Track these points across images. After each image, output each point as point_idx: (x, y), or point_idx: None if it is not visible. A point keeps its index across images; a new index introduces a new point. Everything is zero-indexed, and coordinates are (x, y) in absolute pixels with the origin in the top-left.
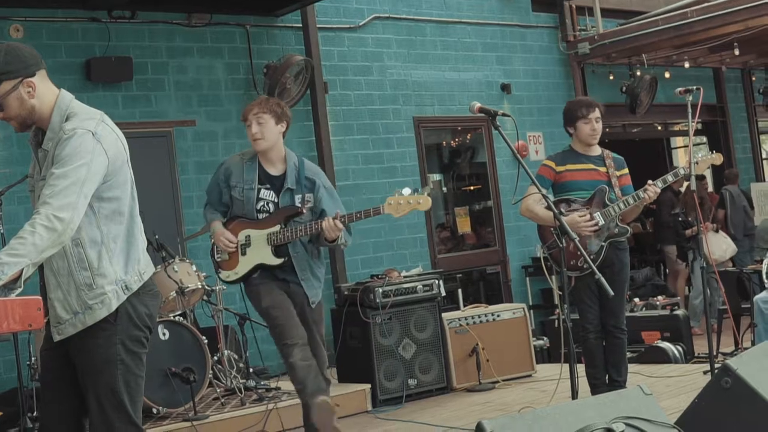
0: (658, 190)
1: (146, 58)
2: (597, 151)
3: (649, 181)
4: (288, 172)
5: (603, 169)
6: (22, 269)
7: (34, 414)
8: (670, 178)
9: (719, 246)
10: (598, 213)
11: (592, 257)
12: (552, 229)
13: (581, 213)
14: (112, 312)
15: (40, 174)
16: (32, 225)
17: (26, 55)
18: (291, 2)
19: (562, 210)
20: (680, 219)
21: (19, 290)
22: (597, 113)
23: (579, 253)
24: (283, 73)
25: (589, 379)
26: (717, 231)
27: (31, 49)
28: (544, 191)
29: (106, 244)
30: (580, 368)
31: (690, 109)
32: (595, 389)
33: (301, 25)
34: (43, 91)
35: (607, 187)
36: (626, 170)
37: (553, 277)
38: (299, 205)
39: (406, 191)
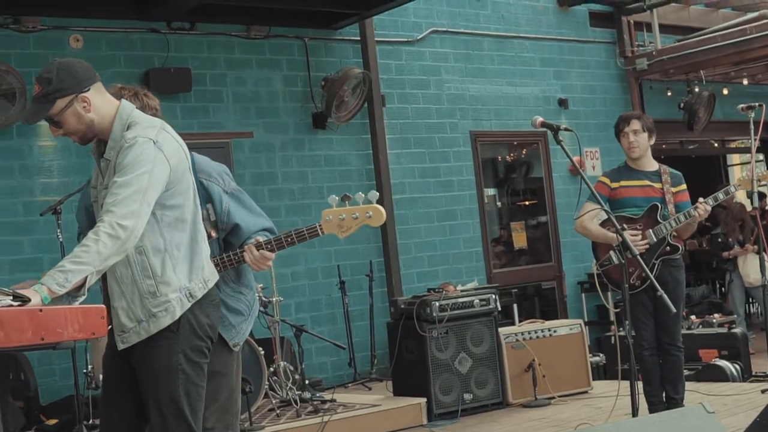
0: (709, 209)
1: (205, 69)
2: (653, 166)
3: (701, 199)
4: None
5: (658, 185)
6: (86, 277)
7: (90, 422)
8: (721, 195)
9: (755, 268)
10: (650, 231)
11: (644, 275)
12: (615, 245)
13: (633, 231)
14: (175, 321)
15: (102, 184)
16: (96, 233)
17: (78, 71)
18: (350, 15)
19: (609, 228)
20: (720, 240)
21: (83, 298)
22: (633, 126)
23: (632, 270)
24: (341, 86)
25: (647, 396)
26: (759, 252)
27: (84, 64)
28: (605, 207)
29: (169, 251)
30: (639, 385)
31: (752, 126)
32: (653, 407)
33: (359, 38)
34: (100, 104)
35: (660, 204)
36: (683, 186)
37: (608, 294)
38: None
39: (343, 202)
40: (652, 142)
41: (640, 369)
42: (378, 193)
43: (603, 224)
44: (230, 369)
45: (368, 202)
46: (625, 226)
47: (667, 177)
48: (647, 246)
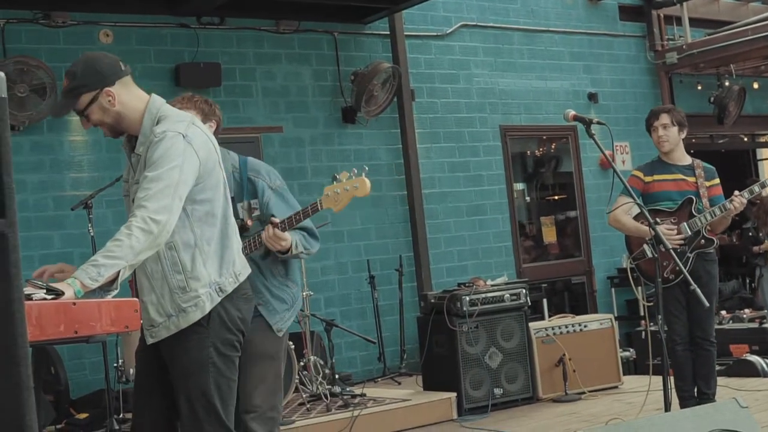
0: (745, 201)
1: (234, 64)
2: (686, 160)
3: (736, 192)
4: (226, 177)
5: (692, 179)
6: (119, 271)
7: (120, 416)
8: (756, 188)
9: None
10: (685, 224)
11: (678, 268)
12: (648, 239)
13: (668, 225)
14: (205, 315)
15: (134, 178)
16: (129, 227)
17: (103, 65)
18: (379, 10)
19: (642, 222)
20: (750, 234)
21: (116, 292)
22: (663, 120)
23: (665, 263)
24: (371, 81)
25: (678, 391)
26: None
27: (110, 57)
28: (638, 200)
29: (199, 246)
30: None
31: None
32: (684, 401)
33: (388, 32)
34: (127, 98)
35: (694, 198)
36: (717, 180)
37: (639, 288)
38: (242, 218)
39: (343, 176)
40: (683, 135)
41: (671, 363)
42: (366, 169)
43: (636, 218)
44: (278, 353)
45: (358, 177)
46: (658, 220)
47: (700, 171)
48: (682, 240)
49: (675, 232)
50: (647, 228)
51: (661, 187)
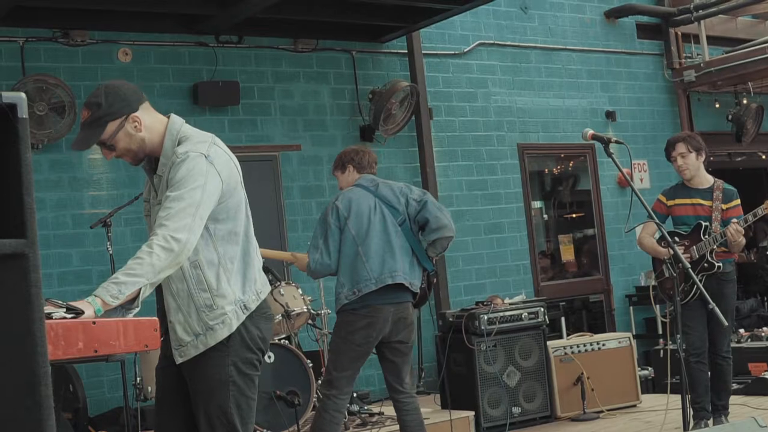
0: (740, 229)
1: (252, 82)
2: (707, 183)
3: (734, 220)
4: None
5: (708, 203)
6: (140, 289)
7: None
8: (750, 218)
9: None
10: (694, 248)
11: (686, 288)
12: (665, 259)
13: (678, 248)
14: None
15: (156, 199)
16: (150, 246)
17: (126, 92)
18: (397, 28)
19: (662, 244)
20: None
21: (137, 310)
22: (679, 149)
23: (679, 284)
24: (389, 99)
25: (691, 403)
26: None
27: (129, 85)
28: (657, 221)
29: (223, 264)
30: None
31: None
32: (696, 413)
33: (406, 51)
34: (150, 123)
35: (703, 223)
36: (735, 202)
37: (658, 306)
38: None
39: None
40: (703, 158)
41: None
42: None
43: (659, 241)
44: None
45: None
46: (677, 239)
47: (718, 194)
48: (689, 260)
49: (685, 255)
50: (662, 248)
51: (680, 212)
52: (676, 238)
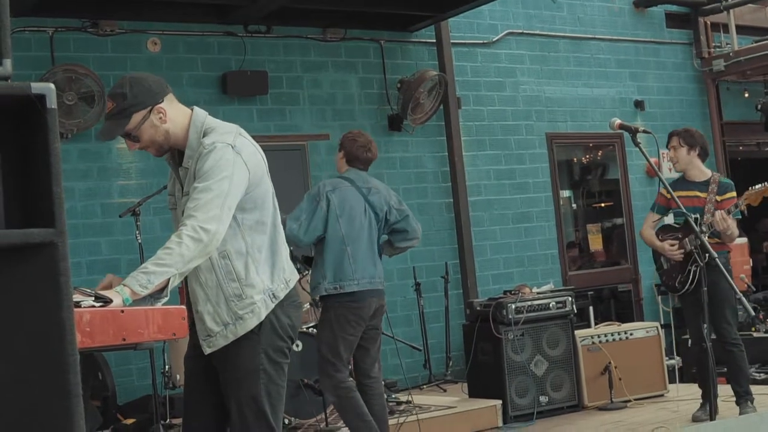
0: (726, 217)
1: (281, 72)
2: (705, 176)
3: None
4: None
5: (703, 195)
6: (169, 279)
7: (167, 421)
8: (732, 208)
9: None
10: (686, 239)
11: (681, 279)
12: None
13: (671, 241)
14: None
15: (182, 191)
16: (179, 236)
17: (151, 84)
18: (425, 18)
19: (660, 236)
20: None
21: (165, 299)
22: (672, 142)
23: (674, 275)
24: (417, 89)
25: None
26: None
27: (154, 77)
28: (684, 211)
29: (251, 254)
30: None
31: None
32: (703, 396)
33: (434, 40)
34: (174, 114)
35: (693, 215)
36: (730, 194)
37: (667, 297)
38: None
39: None
40: (695, 153)
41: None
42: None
43: (659, 231)
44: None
45: None
46: (670, 232)
47: (714, 186)
48: (682, 254)
49: (677, 246)
50: (658, 241)
51: (677, 204)
52: (671, 231)
